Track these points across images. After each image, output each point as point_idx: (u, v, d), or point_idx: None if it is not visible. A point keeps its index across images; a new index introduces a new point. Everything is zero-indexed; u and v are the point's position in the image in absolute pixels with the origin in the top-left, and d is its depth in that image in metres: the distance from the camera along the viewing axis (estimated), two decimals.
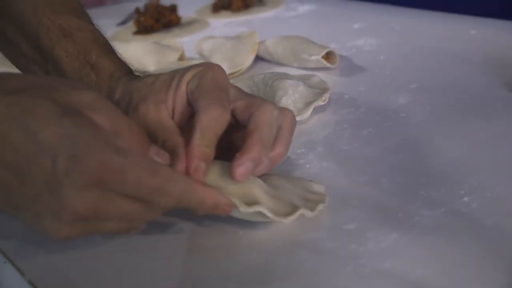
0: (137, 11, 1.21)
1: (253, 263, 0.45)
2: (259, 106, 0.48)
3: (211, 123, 0.46)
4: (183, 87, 0.50)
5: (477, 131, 0.61)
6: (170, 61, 0.89)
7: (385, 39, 0.95)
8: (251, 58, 0.87)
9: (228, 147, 0.51)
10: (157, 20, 1.18)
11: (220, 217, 0.47)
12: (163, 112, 0.50)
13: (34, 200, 0.39)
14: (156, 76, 0.53)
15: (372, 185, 0.53)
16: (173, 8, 1.22)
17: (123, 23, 1.30)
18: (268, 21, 1.19)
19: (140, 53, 0.92)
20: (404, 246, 0.45)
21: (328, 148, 0.61)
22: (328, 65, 0.83)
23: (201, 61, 0.91)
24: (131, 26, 1.23)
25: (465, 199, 0.50)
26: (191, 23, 1.23)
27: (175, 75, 0.51)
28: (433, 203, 0.49)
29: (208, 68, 0.50)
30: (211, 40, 0.94)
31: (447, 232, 0.46)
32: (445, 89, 0.73)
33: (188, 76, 0.50)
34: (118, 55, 0.60)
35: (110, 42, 0.61)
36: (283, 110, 0.51)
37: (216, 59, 0.88)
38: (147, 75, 0.54)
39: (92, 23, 0.62)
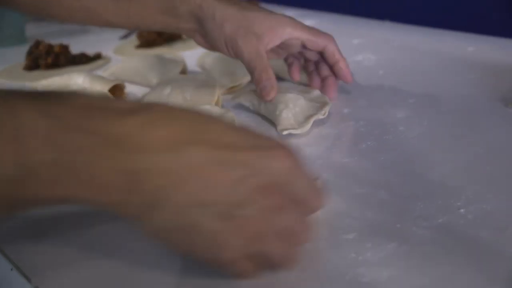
0: None
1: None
2: (329, 40, 0.77)
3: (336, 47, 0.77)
4: (283, 33, 0.72)
5: (474, 145, 0.63)
6: (172, 74, 0.91)
7: (384, 55, 0.97)
8: None
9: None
10: (160, 34, 1.19)
11: None
12: (262, 46, 0.70)
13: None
14: (255, 12, 0.71)
15: (370, 197, 0.55)
16: None
17: (125, 36, 1.31)
18: None
19: (143, 66, 0.93)
20: (401, 256, 0.46)
21: (327, 160, 0.63)
22: None
23: (203, 74, 0.92)
24: (133, 39, 1.24)
25: (462, 211, 0.51)
26: None
27: (272, 19, 0.72)
28: (430, 215, 0.51)
29: (295, 20, 0.75)
30: (213, 55, 0.95)
31: (444, 243, 0.47)
32: (442, 104, 0.74)
33: (289, 28, 0.73)
34: None
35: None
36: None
37: (217, 73, 0.89)
38: (246, 6, 0.72)
39: None
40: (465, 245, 0.47)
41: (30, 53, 1.05)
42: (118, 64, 0.99)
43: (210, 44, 0.74)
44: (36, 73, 1.03)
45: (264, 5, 1.35)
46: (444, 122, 0.69)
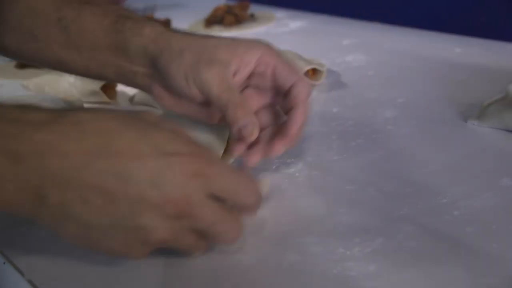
0: None
1: (243, 266, 0.47)
2: (300, 80, 0.57)
3: (307, 96, 0.56)
4: (248, 58, 0.56)
5: (460, 144, 0.64)
6: None
7: (374, 56, 0.98)
8: None
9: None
10: None
11: None
12: (228, 75, 0.55)
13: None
14: (218, 39, 0.57)
15: (359, 194, 0.56)
16: (167, 22, 1.24)
17: None
18: (259, 37, 1.20)
19: None
20: (388, 251, 0.47)
21: (317, 158, 0.64)
22: (311, 81, 0.85)
23: None
24: None
25: (448, 207, 0.52)
26: None
27: (239, 45, 0.56)
28: (417, 211, 0.52)
29: (271, 47, 0.58)
30: None
31: (430, 238, 0.48)
32: (430, 104, 0.75)
33: (257, 51, 0.56)
34: None
35: None
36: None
37: None
38: (207, 35, 0.58)
39: None
40: (451, 241, 0.48)
41: None
42: None
43: (168, 87, 0.57)
44: (28, 71, 1.03)
45: (255, 6, 1.36)
46: (431, 121, 0.70)
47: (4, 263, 0.50)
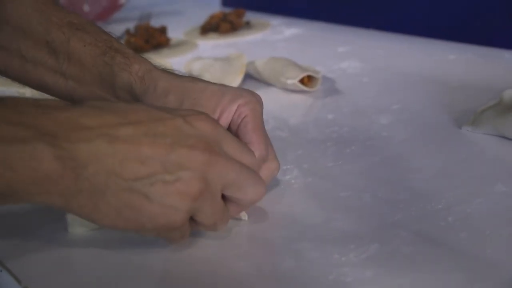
0: (127, 32, 1.24)
1: (240, 272, 0.47)
2: (270, 160, 0.55)
3: (260, 159, 0.53)
4: (233, 107, 0.54)
5: (454, 150, 0.64)
6: None
7: (369, 63, 0.99)
8: (239, 79, 0.90)
9: None
10: (147, 41, 1.20)
11: (208, 233, 0.51)
12: None
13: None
14: (205, 83, 0.56)
15: (354, 200, 0.56)
16: (162, 30, 1.24)
17: None
18: (255, 44, 1.22)
19: None
20: (384, 257, 0.47)
21: (313, 165, 0.64)
22: (305, 88, 0.85)
23: None
24: None
25: (442, 213, 0.52)
26: (180, 44, 1.26)
27: (226, 93, 0.55)
28: (412, 217, 0.52)
29: (258, 101, 0.56)
30: (200, 61, 0.96)
31: (425, 244, 0.48)
32: (424, 110, 0.76)
33: (241, 101, 0.54)
34: None
35: None
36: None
37: (205, 79, 0.90)
38: (194, 78, 0.58)
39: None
40: (445, 246, 0.48)
41: None
42: None
43: None
44: None
45: (250, 14, 1.37)
46: (425, 128, 0.71)
47: (0, 270, 0.50)
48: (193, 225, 0.47)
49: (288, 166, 0.64)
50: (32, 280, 0.48)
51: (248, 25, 1.34)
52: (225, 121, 0.54)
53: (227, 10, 1.39)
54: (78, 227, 0.53)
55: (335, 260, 0.47)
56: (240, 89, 0.56)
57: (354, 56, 1.03)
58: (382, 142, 0.68)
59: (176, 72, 0.58)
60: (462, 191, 0.56)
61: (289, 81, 0.86)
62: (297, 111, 0.81)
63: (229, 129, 0.55)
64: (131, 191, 0.42)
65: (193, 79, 0.57)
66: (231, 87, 0.57)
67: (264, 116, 0.77)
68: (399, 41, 1.10)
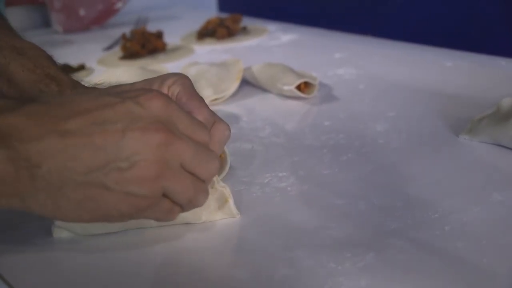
0: (123, 37, 1.23)
1: (235, 280, 0.47)
2: (219, 122, 0.54)
3: (205, 121, 0.52)
4: (164, 90, 0.54)
5: (451, 158, 0.64)
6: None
7: (365, 69, 0.98)
8: (235, 85, 0.90)
9: None
10: (143, 46, 1.20)
11: (200, 239, 0.51)
12: None
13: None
14: (130, 84, 0.56)
15: (350, 208, 0.56)
16: (159, 35, 1.24)
17: (109, 48, 1.32)
18: (251, 49, 1.22)
19: (126, 78, 0.93)
20: (380, 266, 0.47)
21: (308, 172, 0.64)
22: (301, 95, 0.85)
23: None
24: (117, 51, 1.24)
25: (439, 222, 0.52)
26: (176, 49, 1.25)
27: (154, 81, 0.55)
28: (408, 226, 0.52)
29: (185, 77, 0.56)
30: (196, 66, 0.96)
31: (421, 253, 0.48)
32: (421, 118, 0.76)
33: (169, 82, 0.54)
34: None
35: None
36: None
37: (201, 85, 0.90)
38: (119, 84, 0.57)
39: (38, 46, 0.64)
40: (442, 255, 0.48)
41: None
42: (101, 75, 0.99)
43: None
44: None
45: (247, 19, 1.37)
46: (421, 135, 0.71)
47: None
48: (174, 206, 0.46)
49: (284, 173, 0.63)
50: (23, 284, 0.48)
51: (244, 31, 1.34)
52: None
53: (224, 15, 1.39)
54: (64, 232, 0.53)
55: (331, 269, 0.47)
56: (164, 74, 0.57)
57: (350, 63, 1.03)
58: (378, 149, 0.68)
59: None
60: (459, 199, 0.56)
61: (286, 87, 0.85)
62: (294, 118, 0.81)
63: None
64: (87, 184, 0.42)
65: (117, 86, 0.56)
66: (156, 76, 0.57)
67: (260, 123, 0.77)
68: (396, 48, 1.10)
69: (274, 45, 1.24)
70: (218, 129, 0.53)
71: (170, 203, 0.45)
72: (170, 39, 1.28)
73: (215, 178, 0.56)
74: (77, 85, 0.59)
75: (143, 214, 0.45)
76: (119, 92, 0.45)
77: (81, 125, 0.41)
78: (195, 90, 0.55)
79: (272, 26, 1.37)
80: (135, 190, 0.42)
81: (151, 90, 0.45)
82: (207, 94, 0.87)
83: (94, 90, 0.49)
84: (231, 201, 0.56)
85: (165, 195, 0.45)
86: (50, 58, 0.62)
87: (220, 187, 0.56)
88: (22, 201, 0.41)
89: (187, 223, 0.55)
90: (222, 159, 0.66)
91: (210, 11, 1.63)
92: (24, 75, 0.59)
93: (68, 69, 1.08)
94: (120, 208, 0.43)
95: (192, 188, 0.46)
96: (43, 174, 0.40)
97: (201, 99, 0.54)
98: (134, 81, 0.88)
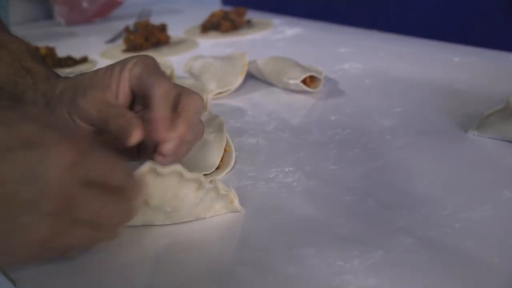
0: (126, 29, 1.22)
1: (241, 278, 0.46)
2: (188, 94, 0.55)
3: (166, 93, 0.53)
4: (126, 74, 0.55)
5: (459, 154, 0.63)
6: None
7: (371, 64, 0.97)
8: (240, 79, 0.89)
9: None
10: (147, 39, 1.19)
11: (204, 235, 0.50)
12: (110, 95, 0.54)
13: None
14: (94, 70, 0.57)
15: (357, 205, 0.55)
16: (162, 28, 1.23)
17: (112, 40, 1.31)
18: (255, 43, 1.21)
19: None
20: (388, 264, 0.46)
21: (315, 167, 0.63)
22: (307, 89, 0.84)
23: (191, 79, 0.92)
24: (120, 44, 1.23)
25: (448, 220, 0.51)
26: (180, 42, 1.24)
27: (115, 65, 0.56)
28: (416, 224, 0.51)
29: (146, 57, 0.57)
30: (201, 60, 0.95)
31: (430, 251, 0.47)
32: (428, 113, 0.75)
33: (129, 65, 0.55)
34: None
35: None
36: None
37: (206, 78, 0.89)
38: (83, 72, 0.59)
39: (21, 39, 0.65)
40: (451, 254, 0.47)
41: None
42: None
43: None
44: None
45: (252, 12, 1.36)
46: (429, 131, 0.69)
47: None
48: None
49: (290, 168, 0.62)
50: (27, 283, 0.47)
51: (249, 24, 1.33)
52: (124, 89, 0.55)
53: (228, 8, 1.38)
54: None
55: (339, 267, 0.46)
56: (126, 58, 0.57)
57: (356, 57, 1.02)
58: (386, 145, 0.67)
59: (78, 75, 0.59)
60: (468, 197, 0.55)
61: (292, 81, 0.84)
62: (299, 112, 0.80)
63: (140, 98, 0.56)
64: None
65: (87, 72, 0.58)
66: (117, 61, 0.57)
67: (266, 117, 0.76)
68: (402, 43, 1.09)
69: (278, 39, 1.23)
70: (189, 100, 0.53)
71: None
72: (173, 32, 1.27)
73: (219, 185, 0.54)
74: (51, 76, 0.59)
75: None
76: (27, 133, 0.40)
77: None
78: (157, 68, 0.55)
79: (276, 20, 1.36)
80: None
81: (65, 140, 0.41)
82: (211, 87, 0.86)
83: (20, 109, 0.45)
84: (236, 201, 0.55)
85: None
86: (29, 51, 0.62)
87: (225, 191, 0.54)
88: None
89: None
90: (227, 153, 0.65)
91: (214, 4, 1.62)
92: (1, 67, 0.60)
93: (70, 62, 1.07)
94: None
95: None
96: None
97: (163, 74, 0.54)
98: None
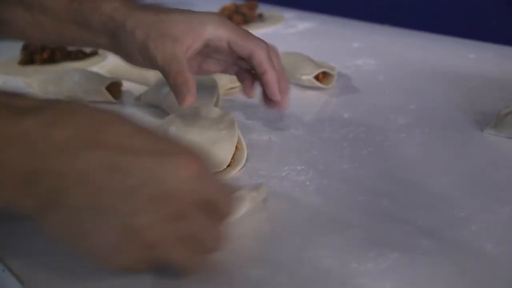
0: None
1: (255, 279, 0.45)
2: (259, 46, 0.63)
3: (267, 54, 0.63)
4: (205, 32, 0.61)
5: (477, 154, 0.62)
6: None
7: (384, 60, 0.96)
8: None
9: None
10: None
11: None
12: (179, 49, 0.59)
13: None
14: (170, 14, 0.62)
15: (372, 205, 0.54)
16: None
17: None
18: (267, 37, 1.18)
19: None
20: (404, 267, 0.45)
21: (328, 166, 0.62)
22: (320, 85, 0.83)
23: (202, 74, 0.91)
24: None
25: (465, 221, 0.50)
26: None
27: (192, 18, 0.61)
28: (433, 225, 0.50)
29: (224, 17, 0.63)
30: None
31: (447, 253, 0.46)
32: (443, 111, 0.73)
33: (210, 24, 0.61)
34: None
35: None
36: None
37: (216, 73, 0.88)
38: (161, 8, 0.62)
39: None
40: (469, 256, 0.46)
41: (25, 47, 1.03)
42: (115, 61, 0.97)
43: (128, 59, 0.64)
44: (31, 68, 1.01)
45: (263, 6, 1.34)
46: (445, 130, 0.68)
47: (3, 270, 0.48)
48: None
49: (303, 166, 0.61)
50: (35, 282, 0.46)
51: (261, 18, 1.32)
52: (196, 44, 0.61)
53: (239, 1, 1.36)
54: None
55: (354, 270, 0.45)
56: (204, 14, 0.62)
57: (369, 53, 1.00)
58: (401, 143, 0.66)
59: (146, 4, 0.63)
60: (486, 198, 0.53)
61: (304, 77, 0.83)
62: (312, 109, 0.78)
63: (208, 50, 0.64)
64: (75, 219, 0.40)
65: (160, 9, 0.62)
66: (197, 13, 0.63)
67: (278, 113, 0.75)
68: (415, 38, 1.08)
69: (290, 33, 1.21)
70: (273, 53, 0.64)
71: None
72: None
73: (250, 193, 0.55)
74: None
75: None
76: (153, 138, 0.42)
77: (93, 160, 0.39)
78: (241, 29, 0.63)
79: (288, 14, 1.35)
80: None
81: (187, 153, 0.42)
82: (223, 82, 0.85)
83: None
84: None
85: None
86: None
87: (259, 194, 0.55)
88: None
89: None
90: (238, 150, 0.64)
91: None
92: (55, 1, 0.63)
93: (81, 55, 1.06)
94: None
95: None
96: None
97: (254, 36, 0.63)
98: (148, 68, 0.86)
